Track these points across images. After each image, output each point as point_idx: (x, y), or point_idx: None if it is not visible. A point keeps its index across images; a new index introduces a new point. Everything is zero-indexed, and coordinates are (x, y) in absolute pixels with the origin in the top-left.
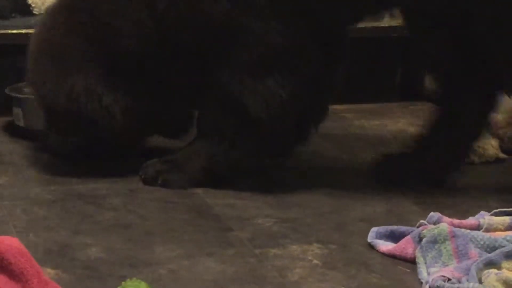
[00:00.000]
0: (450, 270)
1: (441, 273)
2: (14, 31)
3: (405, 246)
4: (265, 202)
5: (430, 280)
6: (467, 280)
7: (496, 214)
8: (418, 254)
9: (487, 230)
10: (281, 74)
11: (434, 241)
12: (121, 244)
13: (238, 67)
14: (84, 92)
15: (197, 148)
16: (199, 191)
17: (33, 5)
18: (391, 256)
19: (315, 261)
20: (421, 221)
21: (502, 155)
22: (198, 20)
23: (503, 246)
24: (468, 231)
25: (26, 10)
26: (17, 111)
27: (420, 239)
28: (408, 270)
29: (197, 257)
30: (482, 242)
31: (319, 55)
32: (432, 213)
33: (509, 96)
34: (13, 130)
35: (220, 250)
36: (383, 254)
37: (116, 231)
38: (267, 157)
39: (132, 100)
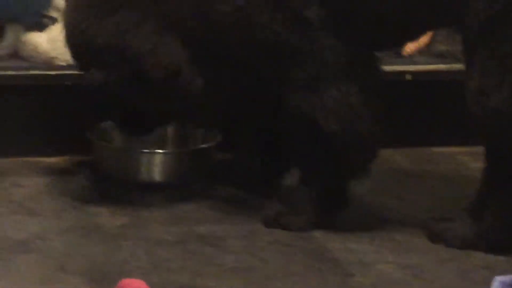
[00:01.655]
0: None
1: None
2: None
3: None
4: (385, 247)
5: None
6: None
7: None
8: None
9: None
10: (342, 83)
11: None
12: None
13: (299, 85)
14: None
15: (305, 189)
16: (318, 234)
17: None
18: None
19: None
20: None
21: None
22: (258, 41)
23: None
24: None
25: None
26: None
27: None
28: None
29: None
30: None
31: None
32: None
33: None
34: None
35: None
36: None
37: (238, 274)
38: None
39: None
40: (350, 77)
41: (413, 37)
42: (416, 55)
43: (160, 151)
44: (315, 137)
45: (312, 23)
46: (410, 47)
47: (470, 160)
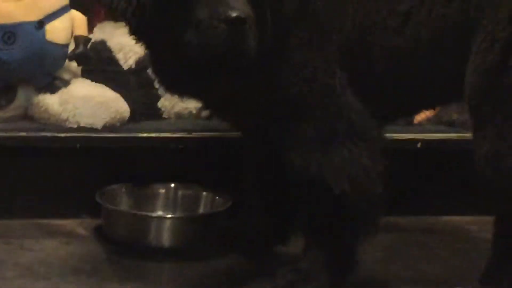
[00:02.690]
0: None
1: None
2: (145, 135)
3: None
4: None
5: None
6: None
7: None
8: None
9: None
10: (353, 144)
11: None
12: None
13: (309, 145)
14: None
15: (315, 253)
16: None
17: (162, 109)
18: None
19: None
20: None
21: None
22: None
23: None
24: None
25: (156, 114)
26: None
27: None
28: None
29: None
30: None
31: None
32: None
33: None
34: None
35: None
36: None
37: None
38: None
39: None
40: (361, 138)
41: (429, 107)
42: (427, 123)
43: (169, 216)
44: (323, 198)
45: (331, 85)
46: (420, 115)
47: (478, 229)
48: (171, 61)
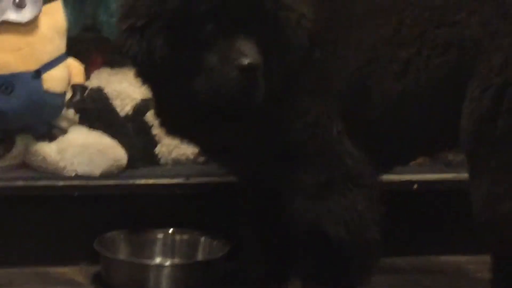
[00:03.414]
0: None
1: None
2: (142, 181)
3: None
4: None
5: None
6: None
7: None
8: None
9: None
10: (349, 191)
11: None
12: None
13: (305, 192)
14: None
15: None
16: None
17: (159, 155)
18: None
19: None
20: None
21: None
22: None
23: None
24: None
25: (153, 160)
26: None
27: None
28: None
29: None
30: None
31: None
32: None
33: None
34: None
35: None
36: None
37: None
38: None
39: None
40: (358, 185)
41: (427, 154)
42: (423, 164)
43: (168, 263)
44: (320, 243)
45: (331, 132)
46: None
47: (475, 269)
48: (177, 105)
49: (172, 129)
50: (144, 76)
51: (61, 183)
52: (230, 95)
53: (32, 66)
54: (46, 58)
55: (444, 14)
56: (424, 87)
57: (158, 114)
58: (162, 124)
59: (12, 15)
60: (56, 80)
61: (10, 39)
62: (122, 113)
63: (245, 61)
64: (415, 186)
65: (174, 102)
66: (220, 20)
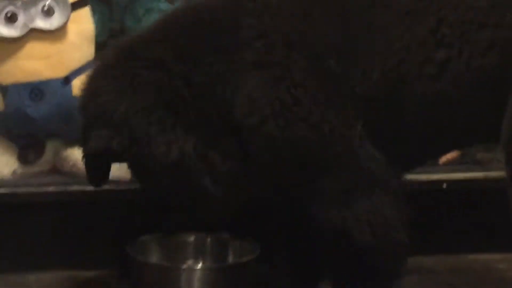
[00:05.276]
0: None
1: None
2: None
3: None
4: None
5: None
6: None
7: None
8: None
9: None
10: (375, 195)
11: None
12: None
13: (330, 197)
14: None
15: None
16: None
17: None
18: None
19: None
20: None
21: None
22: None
23: None
24: None
25: None
26: None
27: None
28: None
29: None
30: None
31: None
32: None
33: None
34: None
35: None
36: None
37: None
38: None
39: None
40: (382, 188)
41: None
42: (452, 162)
43: (199, 266)
44: (347, 248)
45: (350, 138)
46: (446, 156)
47: (506, 268)
48: None
49: None
50: None
51: (92, 188)
52: None
53: (61, 73)
54: (75, 65)
55: (489, 15)
56: (462, 88)
57: None
58: None
59: (41, 23)
60: None
61: (39, 47)
62: None
63: None
64: (444, 185)
65: None
66: None
